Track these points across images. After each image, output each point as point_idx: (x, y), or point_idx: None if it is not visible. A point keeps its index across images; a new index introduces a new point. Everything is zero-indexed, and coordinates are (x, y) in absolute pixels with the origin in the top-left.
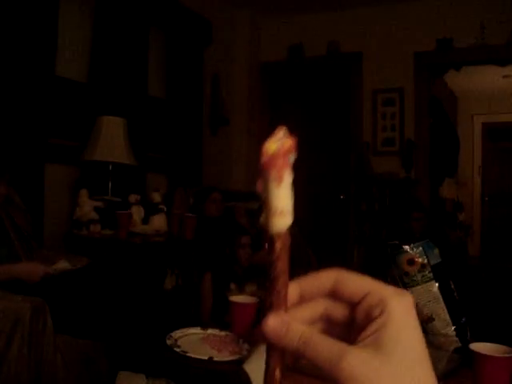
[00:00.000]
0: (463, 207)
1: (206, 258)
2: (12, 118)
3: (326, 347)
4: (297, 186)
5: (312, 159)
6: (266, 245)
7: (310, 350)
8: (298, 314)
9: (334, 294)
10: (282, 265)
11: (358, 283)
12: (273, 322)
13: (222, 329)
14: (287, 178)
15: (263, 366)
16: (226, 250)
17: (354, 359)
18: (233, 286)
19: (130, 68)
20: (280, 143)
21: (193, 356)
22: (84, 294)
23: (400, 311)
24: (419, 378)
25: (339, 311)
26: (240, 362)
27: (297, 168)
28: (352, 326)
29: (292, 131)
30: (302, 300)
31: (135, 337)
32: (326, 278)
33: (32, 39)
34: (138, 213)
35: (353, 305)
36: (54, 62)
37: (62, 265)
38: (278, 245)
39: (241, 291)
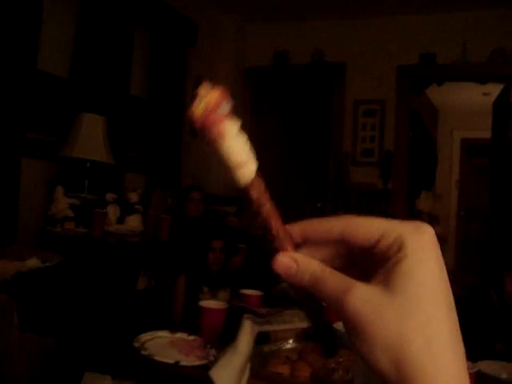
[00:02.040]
0: (439, 220)
1: (180, 260)
2: None
3: (334, 281)
4: (273, 189)
5: (291, 165)
6: (246, 202)
7: (319, 285)
8: (306, 254)
9: (343, 240)
10: (266, 208)
11: (370, 225)
12: (282, 259)
13: (190, 333)
14: (230, 128)
15: (230, 373)
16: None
17: (361, 294)
18: (205, 289)
19: (113, 66)
20: (205, 100)
21: (159, 360)
22: (53, 292)
23: (418, 246)
24: (429, 317)
25: (350, 258)
26: (206, 368)
27: (275, 172)
28: (366, 273)
29: (273, 137)
30: (307, 244)
31: (103, 337)
32: (335, 222)
33: (15, 31)
34: (113, 212)
35: (366, 250)
36: (36, 56)
37: (33, 262)
38: (254, 193)
39: (213, 295)
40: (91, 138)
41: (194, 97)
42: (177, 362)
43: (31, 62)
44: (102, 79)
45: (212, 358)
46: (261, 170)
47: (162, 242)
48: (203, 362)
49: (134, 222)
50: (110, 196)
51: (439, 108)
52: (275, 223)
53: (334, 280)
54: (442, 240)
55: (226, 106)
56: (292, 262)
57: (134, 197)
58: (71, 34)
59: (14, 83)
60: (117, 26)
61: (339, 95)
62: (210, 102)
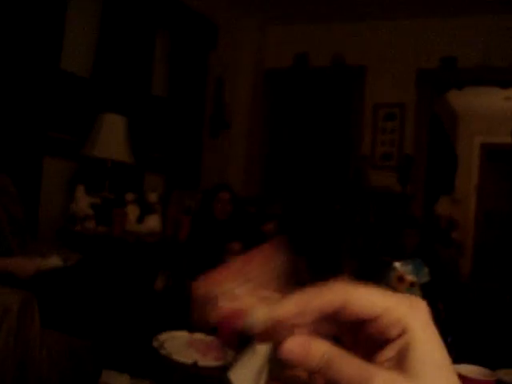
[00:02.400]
0: (457, 225)
1: (199, 261)
2: (13, 108)
3: (351, 367)
4: (292, 193)
5: (309, 168)
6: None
7: (334, 370)
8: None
9: (341, 313)
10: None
11: (369, 301)
12: (291, 344)
13: (208, 333)
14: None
15: (248, 374)
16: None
17: (384, 382)
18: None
19: (135, 66)
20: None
21: (177, 359)
22: (74, 290)
23: (420, 329)
24: None
25: (345, 330)
26: (224, 369)
27: (294, 175)
28: (360, 344)
29: (291, 139)
30: (300, 318)
31: (122, 336)
32: (333, 296)
33: (39, 32)
34: (133, 212)
35: (361, 323)
36: (60, 56)
37: (54, 261)
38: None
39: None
40: (112, 138)
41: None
42: (195, 362)
43: (55, 61)
44: (124, 79)
45: (230, 359)
46: (279, 174)
47: (180, 242)
48: (221, 362)
49: (153, 221)
50: (129, 196)
51: (459, 112)
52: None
53: (350, 365)
54: (459, 245)
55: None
56: (303, 345)
57: (153, 197)
58: (94, 34)
59: (38, 83)
60: (138, 27)
61: (359, 98)
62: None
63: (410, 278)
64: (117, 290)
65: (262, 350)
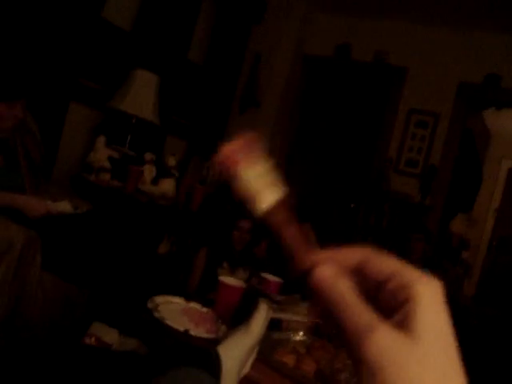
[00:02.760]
0: (469, 245)
1: (205, 232)
2: (49, 48)
3: (361, 312)
4: (312, 183)
5: (332, 161)
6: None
7: (346, 311)
8: None
9: (359, 271)
10: (289, 232)
11: (385, 262)
12: (326, 270)
13: (204, 305)
14: (253, 166)
15: (238, 353)
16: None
17: (385, 337)
18: (225, 264)
19: (176, 28)
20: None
21: (170, 324)
22: (79, 239)
23: (429, 296)
24: (445, 369)
25: (363, 287)
26: (215, 342)
27: (315, 166)
28: (374, 304)
29: (318, 129)
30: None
31: (119, 292)
32: (354, 253)
33: None
34: (149, 172)
35: (377, 284)
36: (103, 4)
37: (64, 206)
38: (274, 218)
39: (232, 273)
40: (141, 95)
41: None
42: (186, 331)
43: (97, 9)
44: (163, 39)
45: (221, 334)
46: (299, 159)
47: (191, 210)
48: (212, 335)
49: (167, 185)
50: (148, 155)
51: (493, 132)
52: (298, 247)
53: (361, 311)
54: (468, 266)
55: (252, 151)
56: (334, 275)
57: (171, 161)
58: None
59: (77, 28)
60: None
61: (395, 100)
62: (237, 144)
63: None
64: (121, 246)
65: (256, 331)
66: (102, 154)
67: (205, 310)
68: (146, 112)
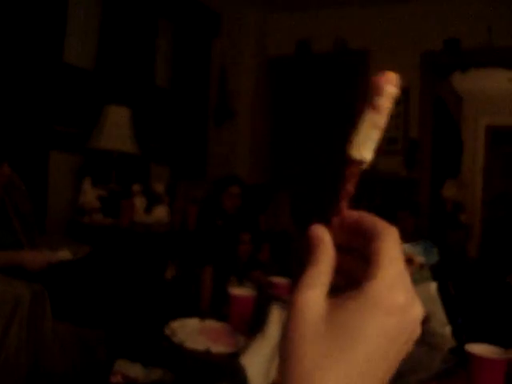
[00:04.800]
0: (464, 208)
1: (207, 250)
2: (18, 102)
3: (308, 271)
4: (294, 178)
5: (313, 154)
6: (343, 168)
7: (313, 265)
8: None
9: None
10: (349, 187)
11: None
12: (320, 229)
13: (219, 320)
14: (385, 114)
15: (259, 360)
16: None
17: (308, 301)
18: (233, 278)
19: (138, 57)
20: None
21: (189, 347)
22: (84, 282)
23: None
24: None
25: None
26: (236, 355)
27: (296, 161)
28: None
29: (295, 126)
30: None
31: (134, 325)
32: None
33: (41, 25)
34: (140, 202)
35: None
36: (62, 49)
37: (64, 254)
38: (353, 169)
39: (241, 285)
40: (117, 130)
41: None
42: (207, 349)
43: (57, 55)
44: (127, 71)
45: (240, 346)
46: (282, 159)
47: (188, 231)
48: (233, 349)
49: (160, 212)
50: (136, 187)
51: (464, 95)
52: (344, 202)
53: (314, 269)
54: (467, 227)
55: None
56: (325, 236)
57: (159, 187)
58: (96, 26)
59: (41, 76)
60: (140, 18)
61: (362, 83)
62: (395, 81)
63: (419, 259)
64: (127, 281)
65: (272, 336)
66: (90, 194)
67: (220, 325)
68: (125, 145)
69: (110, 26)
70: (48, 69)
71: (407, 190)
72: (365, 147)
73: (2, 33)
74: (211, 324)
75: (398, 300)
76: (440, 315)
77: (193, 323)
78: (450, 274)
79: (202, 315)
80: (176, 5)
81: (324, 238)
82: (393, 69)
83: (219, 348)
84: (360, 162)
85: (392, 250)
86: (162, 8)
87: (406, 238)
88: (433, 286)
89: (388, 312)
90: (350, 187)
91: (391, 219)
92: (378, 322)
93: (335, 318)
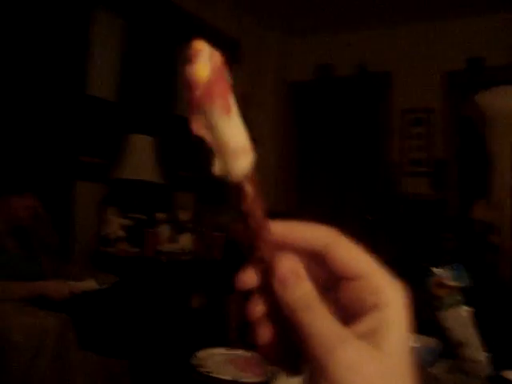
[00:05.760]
0: (494, 229)
1: (233, 278)
2: (43, 134)
3: (326, 323)
4: (321, 204)
5: (338, 178)
6: (232, 195)
7: (307, 319)
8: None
9: (319, 256)
10: (259, 212)
11: (353, 258)
12: (289, 266)
13: (247, 349)
14: (233, 104)
15: None
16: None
17: (355, 351)
18: None
19: (159, 87)
20: (211, 62)
21: (217, 376)
22: (110, 311)
23: (397, 309)
24: None
25: (320, 275)
26: None
27: (322, 186)
28: (339, 307)
29: (318, 151)
30: (279, 247)
31: (159, 355)
32: (316, 235)
33: (64, 59)
34: (165, 231)
35: (338, 277)
36: (85, 82)
37: (89, 284)
38: (249, 188)
39: None
40: (141, 159)
41: (193, 54)
42: (235, 379)
43: (81, 88)
44: (149, 100)
45: (270, 375)
46: (307, 185)
47: (214, 260)
48: (261, 378)
49: (185, 240)
50: (161, 215)
51: (490, 113)
52: (265, 230)
53: (326, 321)
54: (498, 249)
55: (228, 75)
56: (294, 275)
57: (184, 215)
58: (117, 59)
59: (65, 108)
60: (160, 48)
61: (385, 105)
62: (217, 64)
63: (450, 283)
64: (152, 310)
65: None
66: (115, 224)
67: (249, 354)
68: (149, 174)
69: (131, 57)
70: (72, 101)
71: (436, 212)
72: (242, 151)
73: (27, 66)
74: (239, 353)
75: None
76: (474, 340)
77: (220, 353)
78: (483, 297)
79: (230, 344)
80: (195, 33)
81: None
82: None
83: (248, 378)
84: (249, 174)
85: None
86: (182, 37)
87: (445, 260)
88: (466, 311)
89: (405, 310)
90: (259, 211)
91: (435, 240)
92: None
93: None
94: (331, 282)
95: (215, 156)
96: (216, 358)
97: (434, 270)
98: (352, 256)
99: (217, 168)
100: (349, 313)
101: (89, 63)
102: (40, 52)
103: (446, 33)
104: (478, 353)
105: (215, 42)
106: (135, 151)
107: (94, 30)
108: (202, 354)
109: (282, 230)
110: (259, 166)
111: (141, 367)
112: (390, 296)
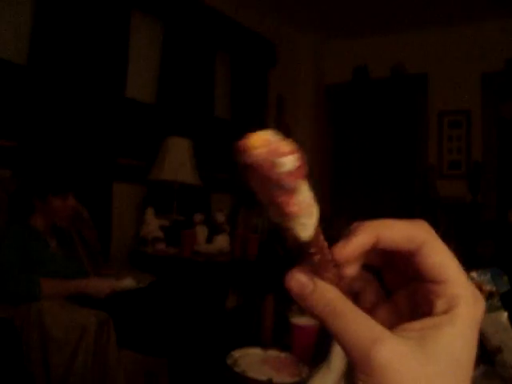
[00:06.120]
0: None
1: (269, 279)
2: (84, 137)
3: (357, 324)
4: (358, 207)
5: (375, 181)
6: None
7: (339, 324)
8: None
9: (406, 254)
10: (327, 255)
11: (445, 264)
12: (299, 276)
13: (282, 350)
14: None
15: None
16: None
17: (394, 349)
18: (294, 307)
19: (197, 90)
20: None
21: (252, 376)
22: (148, 310)
23: (465, 320)
24: None
25: (393, 272)
26: None
27: (359, 189)
28: (400, 295)
29: (355, 154)
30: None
31: (196, 354)
32: (413, 234)
33: (104, 63)
34: (202, 232)
35: (420, 276)
36: (125, 85)
37: (128, 282)
38: (313, 249)
39: (303, 313)
40: (178, 161)
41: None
42: (270, 379)
43: (120, 91)
44: (187, 103)
45: (304, 376)
46: (344, 187)
47: (249, 261)
48: (296, 379)
49: (221, 241)
50: (197, 217)
51: None
52: (328, 266)
53: (357, 322)
54: None
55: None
56: (310, 282)
57: (220, 217)
58: (157, 62)
59: (105, 111)
60: (198, 51)
61: (422, 107)
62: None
63: (488, 287)
64: (189, 310)
65: (336, 366)
66: (152, 225)
67: (284, 355)
68: (186, 176)
69: (170, 61)
70: (111, 104)
71: (473, 215)
72: (307, 219)
73: (69, 71)
74: (274, 353)
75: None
76: None
77: (255, 352)
78: None
79: (264, 345)
80: (233, 37)
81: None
82: (453, 91)
83: (282, 378)
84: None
85: (448, 254)
86: (220, 41)
87: (483, 265)
88: (504, 315)
89: (476, 326)
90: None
91: (473, 245)
92: (473, 342)
93: (431, 351)
94: (401, 279)
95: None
96: (251, 358)
97: (472, 274)
98: (445, 261)
99: (304, 232)
100: (410, 309)
101: (128, 66)
102: (81, 55)
103: (484, 33)
104: None
105: (252, 45)
106: (173, 153)
107: (134, 33)
108: (237, 353)
109: (372, 231)
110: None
111: (178, 365)
112: (462, 307)
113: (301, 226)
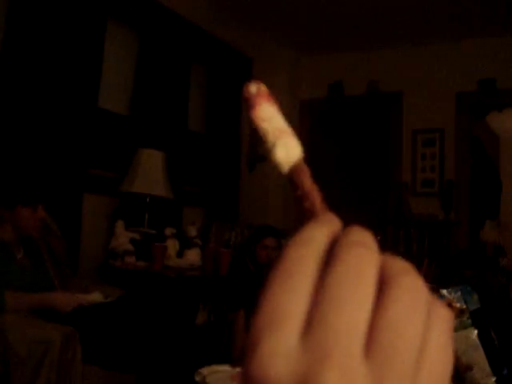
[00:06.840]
0: (505, 251)
1: (239, 295)
2: (54, 146)
3: None
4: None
5: (348, 197)
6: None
7: None
8: None
9: None
10: (315, 197)
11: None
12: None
13: None
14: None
15: None
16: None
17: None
18: None
19: (171, 102)
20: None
21: None
22: (115, 325)
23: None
24: None
25: None
26: None
27: (332, 205)
28: None
29: (329, 169)
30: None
31: (164, 371)
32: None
33: (77, 71)
34: (173, 246)
35: None
36: (97, 94)
37: (96, 296)
38: (304, 168)
39: None
40: (151, 173)
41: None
42: None
43: (92, 100)
44: (161, 115)
45: None
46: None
47: (221, 276)
48: None
49: (192, 255)
50: (169, 230)
51: (501, 134)
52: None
53: None
54: (509, 272)
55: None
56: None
57: (192, 231)
58: (131, 72)
59: (77, 121)
60: (173, 63)
61: (397, 125)
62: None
63: (458, 305)
64: (158, 325)
65: None
66: (123, 238)
67: None
68: (158, 188)
69: (144, 72)
70: (83, 114)
71: (446, 233)
72: (285, 144)
73: (39, 80)
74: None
75: None
76: (483, 364)
77: (224, 370)
78: (492, 320)
79: (234, 361)
80: (208, 50)
81: None
82: (427, 110)
83: None
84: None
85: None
86: (195, 53)
87: (453, 281)
88: (474, 333)
89: None
90: (316, 198)
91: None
92: None
93: None
94: None
95: (275, 144)
96: (219, 375)
97: (442, 291)
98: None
99: (280, 154)
100: None
101: (101, 76)
102: (52, 64)
103: (458, 54)
104: (486, 377)
105: (228, 58)
106: (145, 165)
107: (108, 43)
108: (206, 370)
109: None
110: (271, 184)
111: (146, 382)
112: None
113: (280, 147)
